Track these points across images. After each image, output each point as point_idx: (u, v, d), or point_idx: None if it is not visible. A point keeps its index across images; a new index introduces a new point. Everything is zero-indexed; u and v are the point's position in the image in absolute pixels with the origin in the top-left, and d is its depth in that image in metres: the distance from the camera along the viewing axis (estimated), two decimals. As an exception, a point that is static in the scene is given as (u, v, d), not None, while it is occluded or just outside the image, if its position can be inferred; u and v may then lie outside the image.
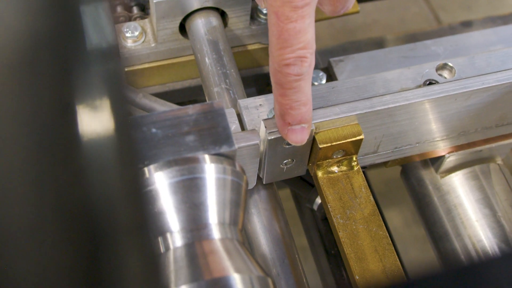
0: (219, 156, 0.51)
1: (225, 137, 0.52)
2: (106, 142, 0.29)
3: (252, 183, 0.64)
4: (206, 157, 0.51)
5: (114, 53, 0.32)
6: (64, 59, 0.29)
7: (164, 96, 0.78)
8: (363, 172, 0.78)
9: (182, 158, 0.50)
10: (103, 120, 0.29)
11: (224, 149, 0.51)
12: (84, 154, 0.28)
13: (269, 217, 0.65)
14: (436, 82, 0.66)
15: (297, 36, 0.53)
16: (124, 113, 0.30)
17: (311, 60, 0.54)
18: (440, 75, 0.69)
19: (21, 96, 0.27)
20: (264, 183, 0.64)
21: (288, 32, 0.53)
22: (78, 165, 0.28)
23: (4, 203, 0.26)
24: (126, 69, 0.75)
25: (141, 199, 0.32)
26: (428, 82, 0.66)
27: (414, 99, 0.61)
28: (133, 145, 0.31)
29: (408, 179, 0.75)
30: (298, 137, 0.57)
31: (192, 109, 0.53)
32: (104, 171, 0.28)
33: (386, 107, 0.61)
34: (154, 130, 0.52)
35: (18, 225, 0.26)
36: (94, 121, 0.29)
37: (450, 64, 0.68)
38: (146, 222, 0.31)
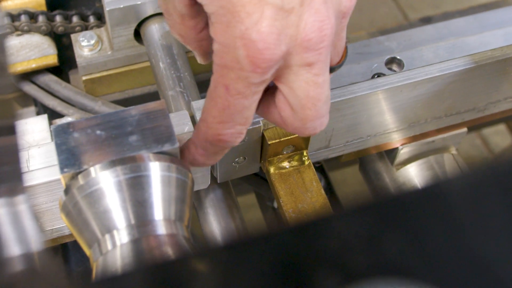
0: (162, 154, 0.53)
1: (167, 136, 0.53)
2: None
3: (206, 182, 0.65)
4: (149, 155, 0.52)
5: None
6: None
7: (124, 103, 0.79)
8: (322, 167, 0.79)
9: (125, 157, 0.51)
10: None
11: (166, 147, 0.52)
12: None
13: (224, 215, 0.66)
14: (384, 75, 0.67)
15: (242, 112, 0.50)
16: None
17: (245, 134, 0.52)
18: (389, 68, 0.70)
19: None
20: (218, 182, 0.66)
21: (235, 108, 0.49)
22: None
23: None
24: (84, 78, 0.76)
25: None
26: (376, 76, 0.67)
27: (360, 92, 0.63)
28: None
29: (366, 172, 0.76)
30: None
31: (135, 110, 0.54)
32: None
33: (332, 101, 0.62)
34: (98, 132, 0.53)
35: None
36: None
37: (398, 57, 0.70)
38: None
